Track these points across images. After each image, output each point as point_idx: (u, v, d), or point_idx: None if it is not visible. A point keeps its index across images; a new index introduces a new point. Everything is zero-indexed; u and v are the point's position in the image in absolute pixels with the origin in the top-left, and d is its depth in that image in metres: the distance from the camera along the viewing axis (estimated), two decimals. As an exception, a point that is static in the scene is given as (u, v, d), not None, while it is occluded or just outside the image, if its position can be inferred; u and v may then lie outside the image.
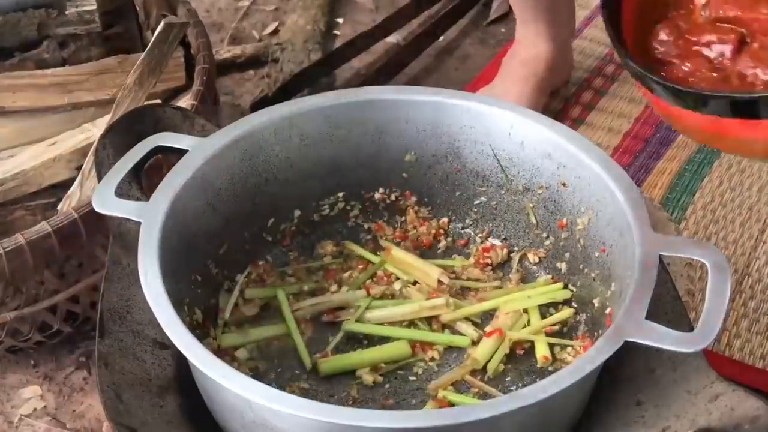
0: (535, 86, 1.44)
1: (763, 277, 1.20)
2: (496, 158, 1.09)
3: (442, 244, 1.14)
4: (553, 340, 1.03)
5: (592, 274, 1.03)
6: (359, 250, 1.13)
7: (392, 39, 1.60)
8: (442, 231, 1.15)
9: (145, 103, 1.26)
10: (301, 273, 1.11)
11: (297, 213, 1.13)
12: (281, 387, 0.99)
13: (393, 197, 1.15)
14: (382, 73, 1.52)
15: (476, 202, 1.13)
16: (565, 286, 1.08)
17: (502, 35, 1.66)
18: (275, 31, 1.69)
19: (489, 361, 1.01)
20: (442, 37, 1.64)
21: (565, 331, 1.05)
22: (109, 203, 0.99)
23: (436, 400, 0.98)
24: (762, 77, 0.91)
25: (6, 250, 1.05)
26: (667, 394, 0.91)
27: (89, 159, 1.20)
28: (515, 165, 1.08)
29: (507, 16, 1.68)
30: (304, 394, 0.99)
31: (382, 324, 1.06)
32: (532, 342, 1.03)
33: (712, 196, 1.30)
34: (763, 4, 0.95)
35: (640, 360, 0.95)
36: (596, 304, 1.02)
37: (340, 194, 1.14)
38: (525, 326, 1.04)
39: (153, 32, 1.30)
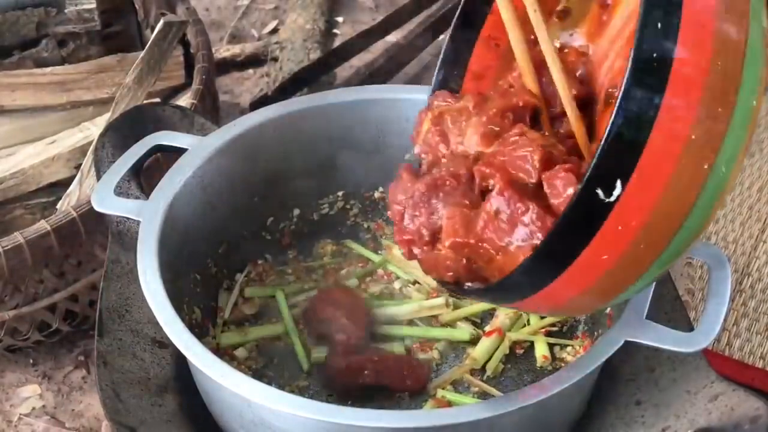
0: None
1: (763, 277, 1.20)
2: (495, 157, 1.09)
3: (442, 243, 1.14)
4: (552, 340, 1.03)
5: (592, 274, 1.03)
6: (359, 249, 1.13)
7: (392, 38, 1.60)
8: (441, 230, 1.15)
9: (145, 101, 1.26)
10: (301, 272, 1.11)
11: (296, 212, 1.13)
12: (281, 386, 0.99)
13: (393, 196, 1.15)
14: (382, 72, 1.52)
15: (476, 201, 1.13)
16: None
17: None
18: (275, 30, 1.69)
19: (488, 360, 1.01)
20: (441, 36, 1.64)
21: (564, 331, 1.05)
22: (108, 202, 0.99)
23: (435, 399, 0.98)
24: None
25: (5, 248, 1.04)
26: (667, 393, 0.90)
27: (88, 158, 1.20)
28: (515, 164, 1.08)
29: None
30: (304, 393, 0.99)
31: (381, 323, 1.06)
32: (532, 341, 1.03)
33: (712, 195, 1.30)
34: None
35: (639, 359, 0.94)
36: (596, 304, 1.02)
37: (340, 193, 1.14)
38: (524, 326, 1.04)
39: (152, 31, 1.30)
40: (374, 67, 1.52)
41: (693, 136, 0.68)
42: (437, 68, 0.93)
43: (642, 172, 0.67)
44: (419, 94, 1.09)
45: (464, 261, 0.80)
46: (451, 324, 1.06)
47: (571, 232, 0.70)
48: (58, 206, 1.19)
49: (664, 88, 0.67)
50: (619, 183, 0.67)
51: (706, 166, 0.69)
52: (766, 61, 0.72)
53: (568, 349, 1.03)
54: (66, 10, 1.34)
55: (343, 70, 1.55)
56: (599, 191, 0.67)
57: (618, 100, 0.66)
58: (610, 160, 0.67)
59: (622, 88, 0.66)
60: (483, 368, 1.01)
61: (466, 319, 1.06)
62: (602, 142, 0.67)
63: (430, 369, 1.01)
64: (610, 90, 0.81)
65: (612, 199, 0.67)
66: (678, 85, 0.67)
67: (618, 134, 0.67)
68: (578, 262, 0.71)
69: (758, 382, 1.09)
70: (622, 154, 0.67)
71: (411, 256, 0.84)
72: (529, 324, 1.04)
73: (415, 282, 1.09)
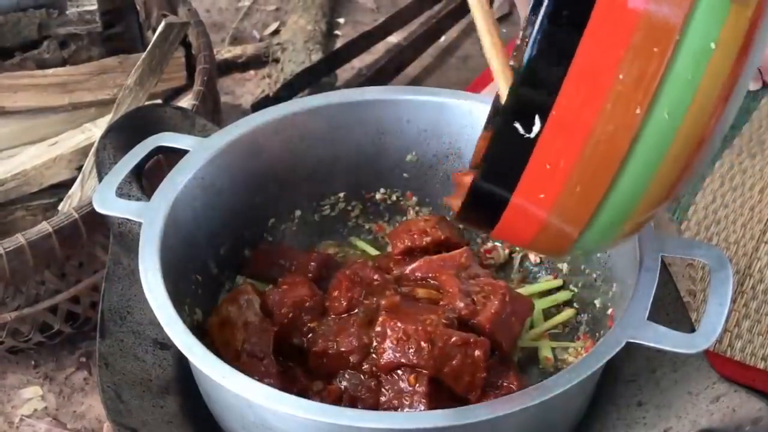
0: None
1: (764, 278, 1.19)
2: (497, 158, 1.09)
3: (444, 244, 1.14)
4: (555, 343, 1.03)
5: (594, 275, 1.03)
6: (362, 245, 1.13)
7: (393, 39, 1.60)
8: (443, 232, 1.15)
9: (146, 103, 1.26)
10: (302, 273, 1.11)
11: (297, 213, 1.13)
12: (282, 387, 0.99)
13: (394, 198, 1.15)
14: (383, 73, 1.52)
15: (477, 202, 1.13)
16: (566, 287, 1.08)
17: (503, 35, 1.66)
18: (276, 31, 1.69)
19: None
20: (443, 37, 1.64)
21: (566, 333, 1.05)
22: (109, 203, 0.99)
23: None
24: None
25: (6, 250, 1.05)
26: (669, 394, 0.90)
27: (90, 159, 1.20)
28: (516, 165, 1.08)
29: (509, 16, 1.68)
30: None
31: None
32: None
33: (713, 196, 1.30)
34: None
35: (641, 360, 0.94)
36: (597, 305, 1.02)
37: (341, 194, 1.14)
38: (527, 330, 1.04)
39: (154, 32, 1.30)
40: (375, 69, 1.52)
41: (620, 75, 0.64)
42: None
43: (561, 110, 0.65)
44: (420, 96, 1.10)
45: None
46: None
47: (499, 168, 0.68)
48: (59, 207, 1.20)
49: (585, 22, 0.63)
50: (537, 119, 0.65)
51: (638, 111, 0.65)
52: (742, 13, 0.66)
53: (570, 350, 1.03)
54: (67, 12, 1.34)
55: (345, 72, 1.55)
56: (518, 125, 0.65)
57: (533, 32, 0.64)
58: (525, 93, 0.65)
59: (539, 18, 0.63)
60: (485, 369, 1.01)
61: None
62: (517, 73, 0.65)
63: None
64: None
65: (532, 135, 0.65)
66: (605, 15, 0.63)
67: (532, 67, 0.64)
68: (516, 199, 0.69)
69: (760, 384, 1.09)
70: (538, 89, 0.65)
71: None
72: (532, 326, 1.04)
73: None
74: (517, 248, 1.12)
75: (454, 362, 0.90)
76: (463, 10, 1.66)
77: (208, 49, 1.28)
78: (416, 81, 1.57)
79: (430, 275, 1.01)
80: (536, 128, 0.65)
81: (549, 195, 0.69)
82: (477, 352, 0.90)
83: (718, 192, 1.31)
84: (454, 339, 0.90)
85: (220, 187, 1.04)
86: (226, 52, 1.62)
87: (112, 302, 0.98)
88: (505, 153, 0.68)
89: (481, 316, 0.95)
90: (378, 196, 1.14)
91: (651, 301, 0.87)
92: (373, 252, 1.13)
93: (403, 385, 0.90)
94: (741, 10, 0.66)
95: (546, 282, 1.09)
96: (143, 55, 1.26)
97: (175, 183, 1.00)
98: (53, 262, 1.09)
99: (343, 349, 0.94)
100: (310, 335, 0.97)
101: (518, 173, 0.68)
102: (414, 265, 1.02)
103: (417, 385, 0.90)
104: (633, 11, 0.64)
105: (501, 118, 0.66)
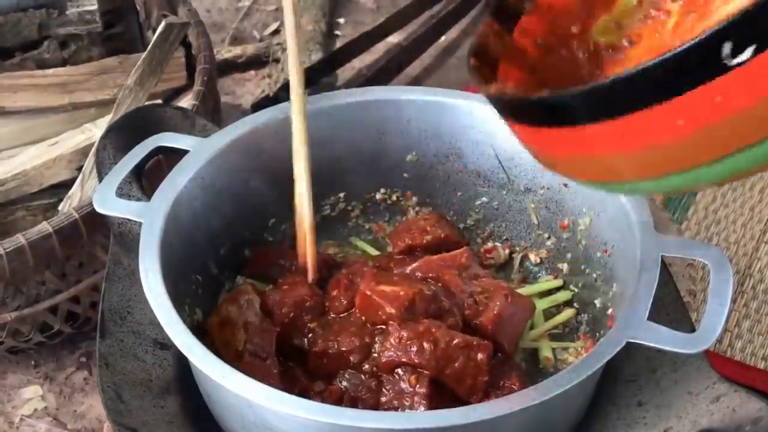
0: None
1: (765, 278, 1.19)
2: (497, 158, 1.09)
3: (444, 244, 1.14)
4: (555, 344, 1.03)
5: (594, 275, 1.03)
6: (362, 245, 1.13)
7: (393, 39, 1.60)
8: (443, 232, 1.15)
9: (146, 103, 1.26)
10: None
11: (298, 213, 1.13)
12: (282, 387, 0.99)
13: (394, 198, 1.15)
14: (384, 73, 1.52)
15: (477, 202, 1.13)
16: (567, 287, 1.08)
17: (503, 35, 1.66)
18: (276, 31, 1.69)
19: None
20: (443, 37, 1.64)
21: (566, 333, 1.05)
22: (109, 203, 0.99)
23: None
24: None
25: (6, 250, 1.05)
26: (669, 394, 0.90)
27: (90, 159, 1.20)
28: (517, 165, 1.08)
29: (508, 15, 1.68)
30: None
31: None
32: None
33: (713, 196, 1.30)
34: None
35: (641, 360, 0.94)
36: (598, 305, 1.02)
37: (341, 194, 1.14)
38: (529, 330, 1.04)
39: (154, 32, 1.30)
40: (375, 69, 1.52)
41: None
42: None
43: None
44: (420, 95, 1.10)
45: None
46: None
47: (670, 73, 0.59)
48: (59, 208, 1.19)
49: None
50: (751, 49, 0.57)
51: None
52: None
53: (570, 350, 1.03)
54: (67, 12, 1.34)
55: (345, 72, 1.55)
56: (726, 46, 0.57)
57: None
58: (761, 16, 0.56)
59: None
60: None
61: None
62: None
63: None
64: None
65: (732, 62, 0.57)
66: None
67: None
68: (657, 109, 0.61)
69: (760, 383, 1.09)
70: None
71: None
72: (533, 327, 1.04)
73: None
74: (517, 248, 1.12)
75: (456, 364, 0.90)
76: (463, 10, 1.66)
77: (208, 49, 1.28)
78: (416, 81, 1.57)
79: (430, 275, 1.01)
80: (743, 57, 0.57)
81: (690, 125, 0.61)
82: (480, 356, 0.90)
83: (718, 192, 1.31)
84: (456, 341, 0.90)
85: (220, 187, 1.04)
86: (226, 52, 1.62)
87: (112, 302, 0.98)
88: (687, 65, 0.58)
89: (483, 317, 0.95)
90: (378, 196, 1.14)
91: (651, 301, 0.87)
92: (373, 252, 1.13)
93: (404, 385, 0.90)
94: None
95: (546, 282, 1.09)
96: (143, 55, 1.26)
97: (175, 183, 1.00)
98: (53, 262, 1.09)
99: (343, 349, 0.94)
100: (311, 335, 0.97)
101: (683, 90, 0.59)
102: (414, 265, 1.02)
103: (418, 386, 0.90)
104: None
105: (711, 32, 0.57)
